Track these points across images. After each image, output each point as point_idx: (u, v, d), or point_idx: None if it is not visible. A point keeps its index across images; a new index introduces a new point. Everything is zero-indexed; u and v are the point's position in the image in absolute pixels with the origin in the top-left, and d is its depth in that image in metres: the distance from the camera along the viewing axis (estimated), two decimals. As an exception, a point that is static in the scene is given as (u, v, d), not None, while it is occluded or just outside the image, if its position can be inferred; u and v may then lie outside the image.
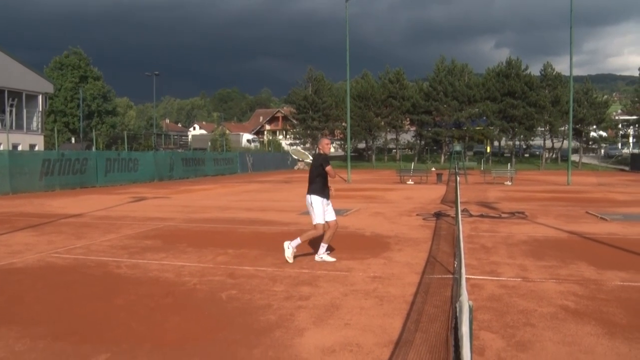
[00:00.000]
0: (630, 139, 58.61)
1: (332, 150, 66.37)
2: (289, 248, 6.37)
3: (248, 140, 66.43)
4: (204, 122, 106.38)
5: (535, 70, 52.73)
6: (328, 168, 6.35)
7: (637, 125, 53.22)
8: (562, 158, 50.42)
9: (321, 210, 6.34)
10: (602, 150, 55.38)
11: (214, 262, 6.48)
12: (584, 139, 50.11)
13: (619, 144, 60.28)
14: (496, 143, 55.43)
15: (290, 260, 6.33)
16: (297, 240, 6.39)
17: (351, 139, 39.87)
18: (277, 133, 78.32)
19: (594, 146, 52.80)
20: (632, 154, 47.36)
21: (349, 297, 4.90)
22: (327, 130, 58.48)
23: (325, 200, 6.40)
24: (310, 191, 6.40)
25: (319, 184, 6.38)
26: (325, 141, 6.65)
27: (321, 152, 6.67)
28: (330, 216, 6.44)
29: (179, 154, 31.58)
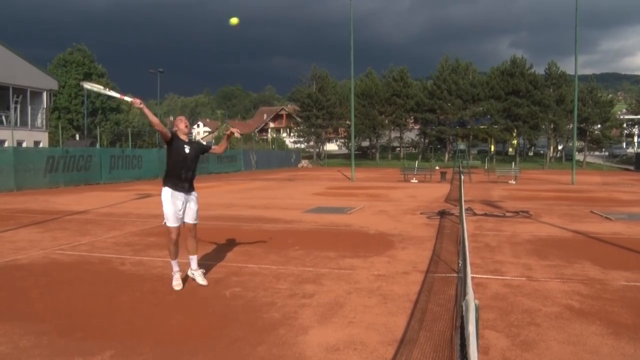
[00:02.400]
0: (635, 139, 58.32)
1: (336, 148, 66.29)
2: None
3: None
4: (207, 119, 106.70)
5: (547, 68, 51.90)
6: None
7: None
8: (566, 157, 50.20)
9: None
10: (605, 150, 54.99)
11: (217, 259, 6.48)
12: (589, 138, 49.86)
13: (624, 144, 60.00)
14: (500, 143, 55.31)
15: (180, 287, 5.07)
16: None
17: (355, 137, 39.75)
18: (281, 131, 78.32)
19: (597, 146, 52.37)
20: (637, 154, 47.10)
21: (352, 295, 4.89)
22: (331, 127, 58.46)
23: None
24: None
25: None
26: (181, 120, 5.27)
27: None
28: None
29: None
